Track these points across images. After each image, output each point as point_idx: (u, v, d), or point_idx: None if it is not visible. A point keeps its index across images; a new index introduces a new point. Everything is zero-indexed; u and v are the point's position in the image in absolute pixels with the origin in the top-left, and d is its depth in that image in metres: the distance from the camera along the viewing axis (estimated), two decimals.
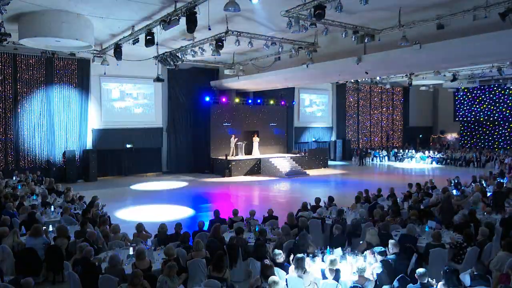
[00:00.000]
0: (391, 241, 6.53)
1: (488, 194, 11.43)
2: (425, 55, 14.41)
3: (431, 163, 29.00)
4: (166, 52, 17.11)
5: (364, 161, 28.80)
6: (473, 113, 34.26)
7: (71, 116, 20.45)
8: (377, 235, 7.34)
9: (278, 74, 19.77)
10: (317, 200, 10.59)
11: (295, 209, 10.16)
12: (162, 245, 7.33)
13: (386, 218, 8.77)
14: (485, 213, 9.28)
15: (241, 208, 11.25)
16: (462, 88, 30.65)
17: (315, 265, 6.20)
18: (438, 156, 29.34)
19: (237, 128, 24.54)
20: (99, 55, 17.47)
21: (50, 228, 8.32)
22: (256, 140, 24.23)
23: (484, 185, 13.25)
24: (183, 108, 23.66)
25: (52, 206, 10.63)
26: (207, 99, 23.35)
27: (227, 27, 13.73)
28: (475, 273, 5.50)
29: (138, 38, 14.08)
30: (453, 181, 13.70)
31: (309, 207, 10.14)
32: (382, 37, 14.74)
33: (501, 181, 13.82)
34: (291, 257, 6.07)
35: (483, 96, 33.63)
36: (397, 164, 29.33)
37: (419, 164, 29.19)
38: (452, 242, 7.10)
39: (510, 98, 32.19)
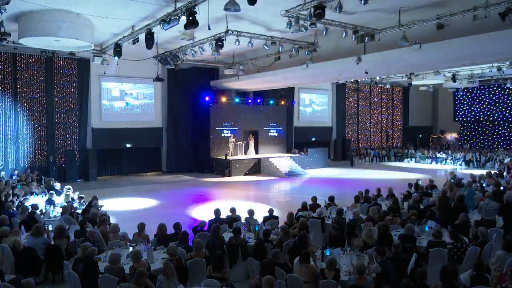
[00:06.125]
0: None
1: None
2: (425, 55, 14.40)
3: (431, 162, 29.00)
4: (166, 52, 17.10)
5: (353, 162, 28.48)
6: (473, 113, 34.26)
7: (71, 115, 20.44)
8: (377, 235, 7.34)
9: (278, 74, 19.76)
10: (314, 198, 10.60)
11: (295, 209, 10.16)
12: (161, 245, 7.34)
13: (386, 217, 8.78)
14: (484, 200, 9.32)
15: (241, 207, 11.24)
16: (462, 88, 30.66)
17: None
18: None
19: (236, 128, 24.55)
20: (99, 55, 17.45)
21: (50, 228, 8.32)
22: (251, 141, 24.28)
23: (484, 185, 13.26)
24: (183, 108, 23.64)
25: (52, 206, 10.62)
26: (207, 98, 23.35)
27: (227, 26, 13.73)
28: (474, 272, 5.50)
29: (138, 37, 14.07)
30: (452, 180, 13.69)
31: (308, 206, 10.15)
32: (382, 37, 14.74)
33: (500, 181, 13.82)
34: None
35: (482, 96, 33.64)
36: (397, 164, 29.31)
37: (419, 163, 29.20)
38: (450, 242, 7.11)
39: (510, 98, 32.20)
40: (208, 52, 16.00)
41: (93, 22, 13.64)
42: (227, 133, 24.08)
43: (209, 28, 12.13)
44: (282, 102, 26.47)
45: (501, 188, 11.70)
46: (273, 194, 17.76)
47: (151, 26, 12.89)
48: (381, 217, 8.79)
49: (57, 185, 13.89)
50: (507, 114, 32.30)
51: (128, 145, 22.14)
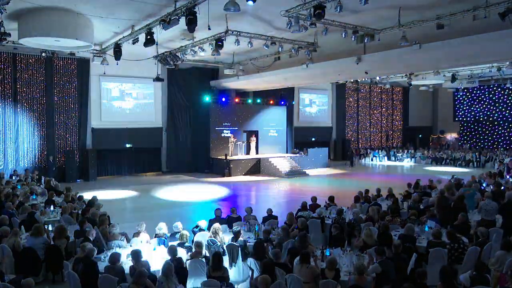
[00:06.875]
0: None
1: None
2: (425, 55, 14.40)
3: (431, 163, 29.00)
4: (166, 52, 17.10)
5: (353, 162, 28.47)
6: (473, 113, 34.26)
7: (71, 115, 20.44)
8: (377, 235, 7.35)
9: (278, 74, 19.77)
10: (314, 198, 10.61)
11: (295, 209, 10.16)
12: (162, 245, 7.34)
13: (386, 218, 8.78)
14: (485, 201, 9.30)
15: (241, 207, 11.25)
16: (462, 88, 30.66)
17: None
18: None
19: (236, 128, 24.56)
20: (99, 55, 17.46)
21: (50, 228, 8.32)
22: (253, 140, 24.29)
23: (484, 185, 13.27)
24: (182, 108, 23.65)
25: (52, 206, 10.61)
26: (207, 99, 23.35)
27: (227, 26, 13.73)
28: (474, 272, 5.50)
29: (138, 37, 14.07)
30: (452, 181, 13.69)
31: (308, 206, 10.14)
32: (381, 37, 14.75)
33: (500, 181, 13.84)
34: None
35: (482, 96, 33.64)
36: (397, 164, 29.30)
37: (419, 164, 29.19)
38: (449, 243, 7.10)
39: (509, 98, 32.20)
40: (208, 52, 16.01)
41: (93, 22, 13.64)
42: (227, 133, 24.08)
43: (209, 28, 12.12)
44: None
45: (501, 188, 11.70)
46: (273, 194, 17.75)
47: (151, 26, 12.90)
48: (381, 217, 8.79)
49: (57, 185, 13.89)
50: (507, 114, 32.30)
51: (128, 145, 22.14)
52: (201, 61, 21.53)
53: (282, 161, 23.27)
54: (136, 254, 6.14)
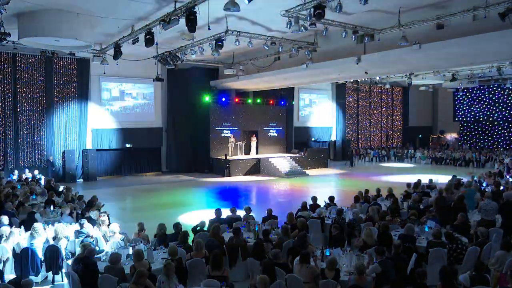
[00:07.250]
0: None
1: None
2: (425, 55, 14.41)
3: (431, 163, 29.00)
4: (165, 52, 17.10)
5: (353, 162, 28.43)
6: (473, 113, 34.27)
7: (71, 115, 20.44)
8: (377, 235, 7.35)
9: (278, 74, 19.77)
10: (314, 198, 10.62)
11: (294, 209, 10.16)
12: (161, 245, 7.35)
13: (386, 218, 8.78)
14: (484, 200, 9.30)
15: (241, 207, 11.25)
16: (462, 88, 30.65)
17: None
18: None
19: (236, 128, 24.57)
20: (98, 55, 17.45)
21: (50, 228, 8.31)
22: (254, 140, 24.31)
23: (484, 185, 13.27)
24: (182, 108, 23.64)
25: (52, 206, 10.61)
26: (207, 99, 23.36)
27: (227, 26, 13.73)
28: (473, 272, 5.50)
29: (138, 37, 14.05)
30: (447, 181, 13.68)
31: (308, 206, 10.14)
32: (381, 37, 14.75)
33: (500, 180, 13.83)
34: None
35: (482, 96, 33.65)
36: (396, 164, 29.29)
37: (419, 164, 29.19)
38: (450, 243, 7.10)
39: (509, 98, 32.21)
40: (208, 52, 16.01)
41: (92, 22, 13.63)
42: (227, 133, 24.10)
43: (209, 28, 12.13)
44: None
45: (501, 188, 11.71)
46: (273, 194, 17.75)
47: (150, 26, 12.88)
48: (381, 217, 8.80)
49: (57, 185, 13.89)
50: (506, 114, 32.30)
51: (128, 145, 22.15)
52: (201, 61, 21.52)
53: (282, 161, 23.28)
54: (138, 254, 6.15)
